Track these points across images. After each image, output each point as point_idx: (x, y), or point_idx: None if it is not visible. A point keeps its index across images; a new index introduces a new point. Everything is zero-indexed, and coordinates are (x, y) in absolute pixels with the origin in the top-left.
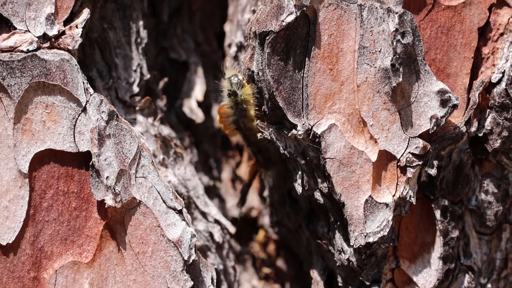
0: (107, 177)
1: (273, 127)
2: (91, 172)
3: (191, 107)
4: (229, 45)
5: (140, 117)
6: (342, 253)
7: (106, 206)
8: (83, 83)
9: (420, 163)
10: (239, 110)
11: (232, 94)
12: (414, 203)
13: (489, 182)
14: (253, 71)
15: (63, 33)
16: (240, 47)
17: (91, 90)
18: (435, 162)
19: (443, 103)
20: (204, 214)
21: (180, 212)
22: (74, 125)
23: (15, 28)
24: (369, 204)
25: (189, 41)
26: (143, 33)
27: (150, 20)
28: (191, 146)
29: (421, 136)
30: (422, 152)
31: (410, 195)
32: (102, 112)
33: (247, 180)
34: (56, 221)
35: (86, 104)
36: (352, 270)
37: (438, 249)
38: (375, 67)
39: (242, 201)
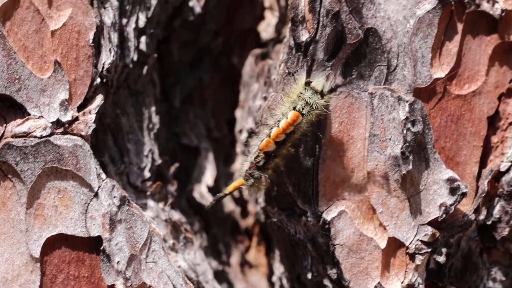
0: (118, 261)
1: (283, 213)
2: (102, 256)
3: (202, 192)
4: (240, 131)
5: (151, 202)
6: None
7: None
8: (96, 168)
9: (429, 250)
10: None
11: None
12: None
13: (497, 270)
14: None
15: (77, 118)
16: (251, 133)
17: (103, 176)
18: (444, 250)
19: (452, 191)
20: None
21: None
22: (86, 210)
23: (29, 114)
24: None
25: (200, 127)
26: (155, 119)
27: (162, 105)
28: (200, 231)
29: (430, 223)
30: (431, 240)
31: (418, 282)
32: (114, 197)
33: (229, 190)
34: None
35: (98, 190)
36: None
37: None
38: (385, 155)
39: (214, 204)
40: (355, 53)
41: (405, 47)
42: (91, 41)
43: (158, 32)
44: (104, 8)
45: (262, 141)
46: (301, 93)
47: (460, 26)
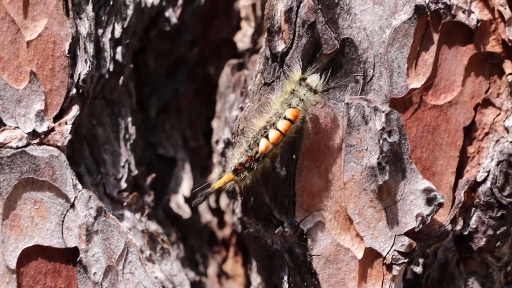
0: (95, 273)
1: (260, 223)
2: (79, 268)
3: (178, 203)
4: (217, 142)
5: (127, 213)
6: None
7: None
8: (72, 179)
9: (406, 260)
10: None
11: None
12: None
13: (473, 280)
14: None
15: (53, 129)
16: (228, 144)
17: (79, 186)
18: (421, 260)
19: (429, 201)
20: None
21: None
22: (62, 221)
23: (5, 125)
24: None
25: (177, 137)
26: (132, 129)
27: (138, 115)
28: (177, 242)
29: (407, 234)
30: (408, 250)
31: None
32: (90, 208)
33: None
34: None
35: (74, 200)
36: None
37: None
38: (362, 165)
39: (201, 201)
40: (331, 63)
41: (381, 57)
42: (66, 51)
43: (134, 43)
44: (80, 18)
45: (254, 139)
46: (294, 90)
47: (436, 37)
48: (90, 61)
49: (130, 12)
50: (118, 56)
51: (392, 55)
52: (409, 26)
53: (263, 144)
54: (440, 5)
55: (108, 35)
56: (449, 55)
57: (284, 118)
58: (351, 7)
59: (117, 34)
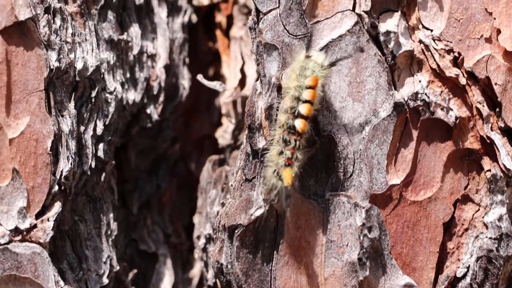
0: None
1: None
2: None
3: None
4: (198, 237)
5: None
6: None
7: None
8: (54, 275)
9: None
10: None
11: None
12: None
13: None
14: (221, 264)
15: (35, 226)
16: (209, 239)
17: (61, 283)
18: None
19: None
20: None
21: None
22: None
23: None
24: None
25: (158, 233)
26: (113, 225)
27: (120, 211)
28: None
29: None
30: None
31: None
32: None
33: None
34: None
35: None
36: None
37: None
38: (343, 261)
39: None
40: (312, 160)
41: (361, 153)
42: (49, 149)
43: (115, 139)
44: (62, 116)
45: (287, 125)
46: (303, 66)
47: (415, 133)
48: (72, 158)
49: (111, 109)
50: (100, 153)
51: (372, 152)
52: (388, 123)
53: (299, 123)
54: (419, 102)
55: (90, 132)
56: (428, 152)
57: (306, 87)
58: (331, 104)
59: (99, 131)
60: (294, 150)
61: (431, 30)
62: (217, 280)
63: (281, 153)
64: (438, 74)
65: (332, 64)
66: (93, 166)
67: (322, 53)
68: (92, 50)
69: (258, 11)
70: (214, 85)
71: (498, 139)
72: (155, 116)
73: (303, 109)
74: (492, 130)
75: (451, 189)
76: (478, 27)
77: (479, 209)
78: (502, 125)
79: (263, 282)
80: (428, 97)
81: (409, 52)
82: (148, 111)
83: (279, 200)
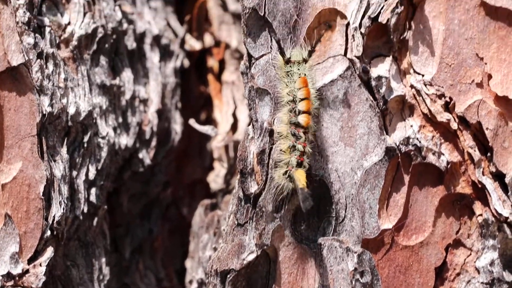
0: None
1: None
2: None
3: None
4: (190, 282)
5: None
6: None
7: None
8: None
9: None
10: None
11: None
12: None
13: None
14: None
15: (27, 271)
16: (201, 284)
17: None
18: None
19: None
20: None
21: None
22: None
23: None
24: None
25: (150, 278)
26: (106, 270)
27: (112, 256)
28: None
29: None
30: None
31: None
32: None
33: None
34: None
35: None
36: None
37: None
38: None
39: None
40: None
41: (353, 198)
42: (41, 194)
43: (108, 184)
44: (54, 161)
45: (291, 123)
46: (288, 71)
47: (406, 178)
48: (64, 203)
49: (104, 154)
50: (92, 198)
51: (363, 196)
52: (380, 167)
53: (303, 117)
54: (410, 147)
55: (82, 177)
56: (420, 196)
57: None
58: (323, 149)
59: (91, 176)
60: (305, 143)
61: (423, 75)
62: None
63: (292, 148)
64: (430, 119)
65: (311, 52)
66: (85, 211)
67: (297, 48)
68: (85, 95)
69: (250, 56)
70: (206, 129)
71: (490, 184)
72: (147, 161)
73: (302, 105)
74: (483, 174)
75: (443, 233)
76: (469, 72)
77: (470, 254)
78: (494, 169)
79: None
80: (420, 141)
81: (401, 97)
82: (141, 155)
83: (288, 203)
